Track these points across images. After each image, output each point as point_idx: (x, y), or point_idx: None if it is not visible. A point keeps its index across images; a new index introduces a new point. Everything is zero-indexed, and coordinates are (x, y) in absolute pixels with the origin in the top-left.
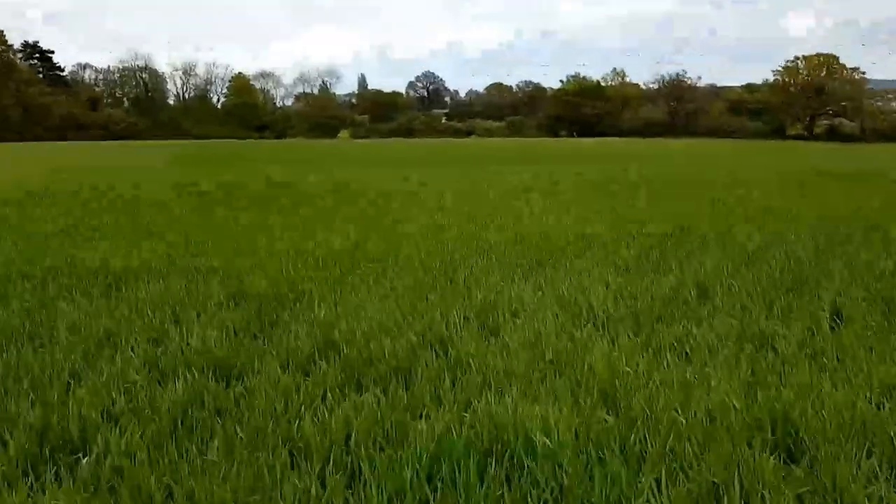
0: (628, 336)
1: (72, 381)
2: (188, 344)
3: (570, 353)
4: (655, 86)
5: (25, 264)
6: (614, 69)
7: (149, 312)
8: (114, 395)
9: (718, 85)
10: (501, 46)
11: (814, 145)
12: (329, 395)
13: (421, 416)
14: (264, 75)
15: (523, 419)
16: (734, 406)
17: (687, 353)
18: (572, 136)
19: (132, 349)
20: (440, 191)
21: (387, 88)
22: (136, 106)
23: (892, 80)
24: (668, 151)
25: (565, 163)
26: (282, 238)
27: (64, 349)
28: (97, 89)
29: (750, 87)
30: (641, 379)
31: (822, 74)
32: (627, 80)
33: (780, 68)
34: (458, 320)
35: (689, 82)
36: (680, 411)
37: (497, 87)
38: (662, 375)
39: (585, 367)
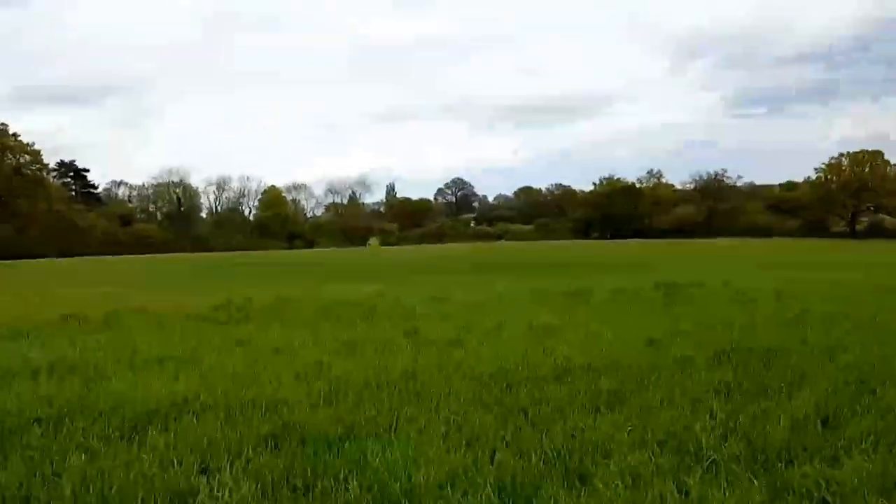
0: (751, 481)
1: None
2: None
3: None
4: (692, 186)
5: (41, 404)
6: (650, 171)
7: (174, 461)
8: None
9: (757, 183)
10: (525, 159)
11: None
12: None
13: None
14: (296, 187)
15: None
16: None
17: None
18: (605, 238)
19: None
20: (469, 305)
21: (415, 196)
22: (169, 220)
23: None
24: (709, 253)
25: (597, 271)
26: (309, 361)
27: None
28: (130, 205)
29: (789, 184)
30: None
31: (866, 171)
32: (664, 181)
33: (823, 165)
34: (537, 462)
35: (727, 182)
36: None
37: (526, 192)
38: None
39: None
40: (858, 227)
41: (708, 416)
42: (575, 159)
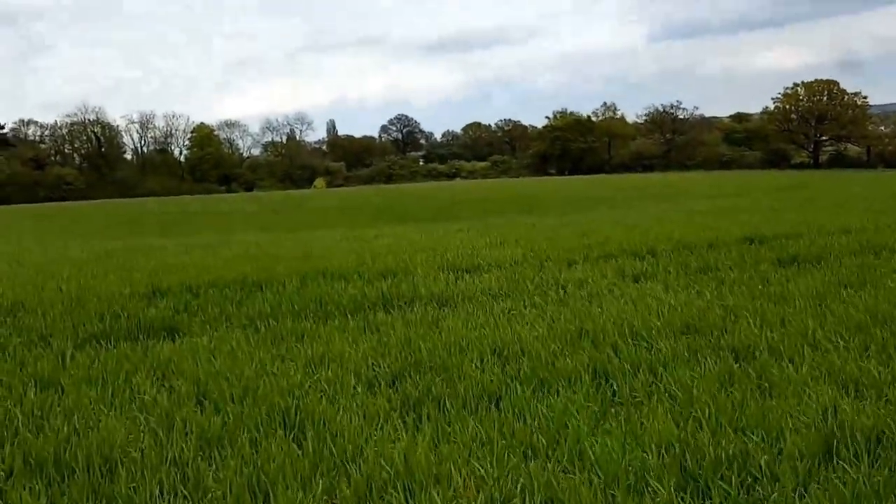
0: None
1: None
2: None
3: None
4: (647, 118)
5: None
6: (604, 103)
7: None
8: None
9: (707, 115)
10: (472, 91)
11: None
12: None
13: None
14: (229, 125)
15: None
16: None
17: None
18: (563, 174)
19: None
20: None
21: (357, 134)
22: (88, 163)
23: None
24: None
25: (592, 210)
26: None
27: None
28: (42, 146)
29: (739, 116)
30: None
31: (824, 100)
32: (619, 113)
33: (779, 95)
34: None
35: (681, 114)
36: None
37: (475, 127)
38: None
39: None
40: (822, 158)
41: None
42: (507, 88)
